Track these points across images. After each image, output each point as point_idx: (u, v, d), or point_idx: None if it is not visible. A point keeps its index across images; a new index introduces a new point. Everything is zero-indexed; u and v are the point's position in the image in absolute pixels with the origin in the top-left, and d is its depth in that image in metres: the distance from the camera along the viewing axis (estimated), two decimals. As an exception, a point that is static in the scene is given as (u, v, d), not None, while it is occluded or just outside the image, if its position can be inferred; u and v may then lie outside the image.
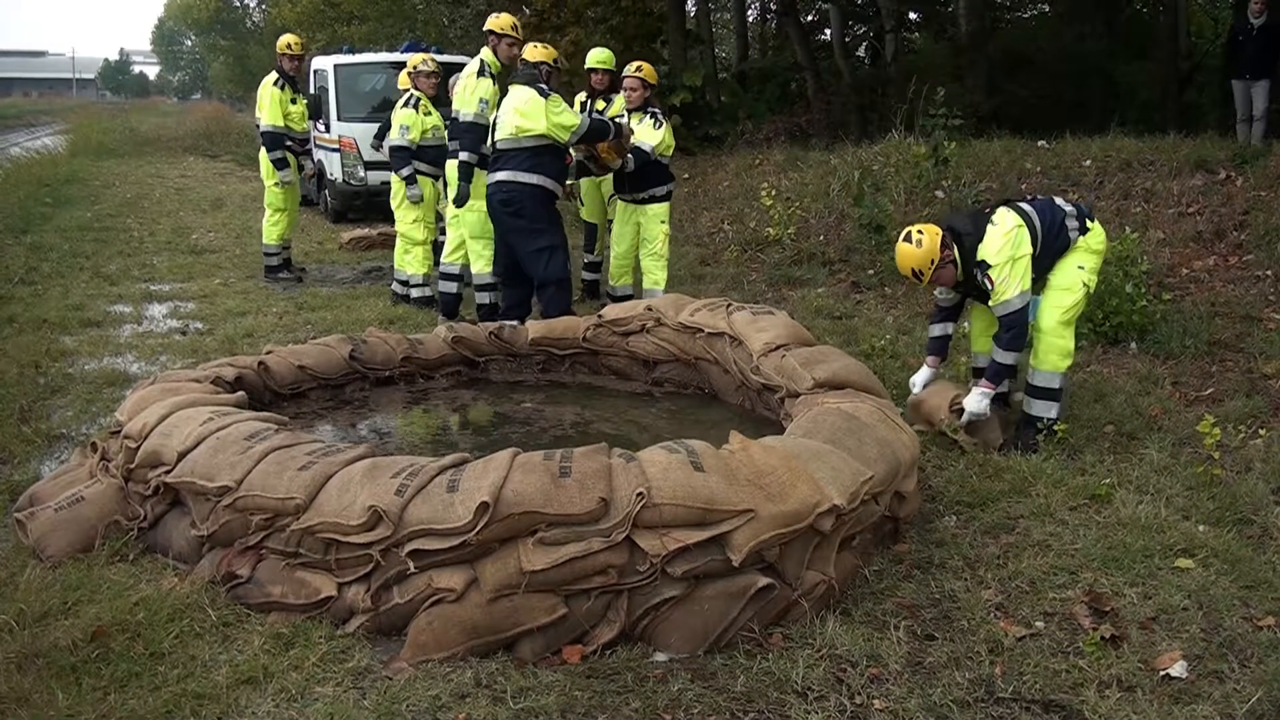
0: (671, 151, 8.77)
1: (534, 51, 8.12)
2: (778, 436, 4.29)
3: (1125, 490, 4.91)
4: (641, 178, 8.51)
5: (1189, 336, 7.26)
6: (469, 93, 8.32)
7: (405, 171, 9.55)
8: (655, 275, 8.77)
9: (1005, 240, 5.46)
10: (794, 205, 12.14)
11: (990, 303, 5.55)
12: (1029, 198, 5.94)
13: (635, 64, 8.91)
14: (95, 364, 7.43)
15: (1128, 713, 3.24)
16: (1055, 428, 5.55)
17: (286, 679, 3.41)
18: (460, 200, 8.42)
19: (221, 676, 3.41)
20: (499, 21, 8.50)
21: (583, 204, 10.07)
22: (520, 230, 7.61)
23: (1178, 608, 3.87)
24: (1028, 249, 5.48)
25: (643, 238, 8.73)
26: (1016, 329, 5.53)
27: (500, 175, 7.58)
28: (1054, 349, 5.60)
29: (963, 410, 5.59)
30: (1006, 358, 5.60)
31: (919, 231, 5.51)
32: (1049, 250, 5.62)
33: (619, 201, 8.90)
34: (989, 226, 5.53)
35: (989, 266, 5.44)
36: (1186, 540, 4.38)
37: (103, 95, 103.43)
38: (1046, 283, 5.70)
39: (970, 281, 5.63)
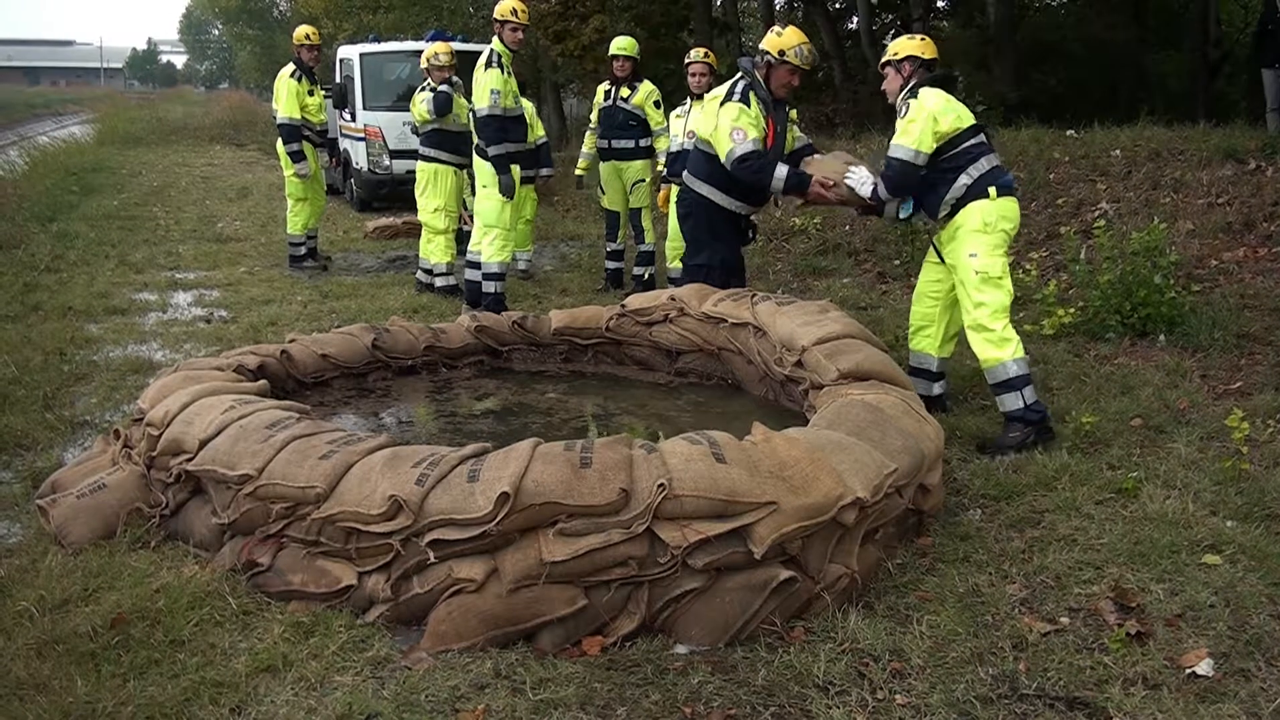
0: None
1: (775, 41, 6.45)
2: (801, 428, 4.26)
3: (1152, 484, 4.85)
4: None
5: (1218, 329, 7.17)
6: (480, 86, 8.31)
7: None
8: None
9: (941, 101, 5.51)
10: (820, 195, 12.07)
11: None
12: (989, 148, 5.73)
13: (701, 50, 8.87)
14: (120, 351, 7.48)
15: (1153, 711, 3.20)
16: (1044, 420, 5.45)
17: (306, 668, 3.41)
18: (508, 192, 8.39)
19: (241, 664, 3.41)
20: (500, 8, 8.48)
21: (604, 192, 10.06)
22: (686, 239, 7.02)
23: (1204, 604, 3.82)
24: (945, 128, 5.49)
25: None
26: (899, 179, 5.62)
27: (685, 174, 6.81)
28: (983, 345, 5.51)
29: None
30: (883, 194, 5.75)
31: (913, 37, 5.84)
32: (939, 164, 5.56)
33: (670, 185, 8.85)
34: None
35: (908, 106, 5.54)
36: (1214, 536, 4.33)
37: (130, 84, 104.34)
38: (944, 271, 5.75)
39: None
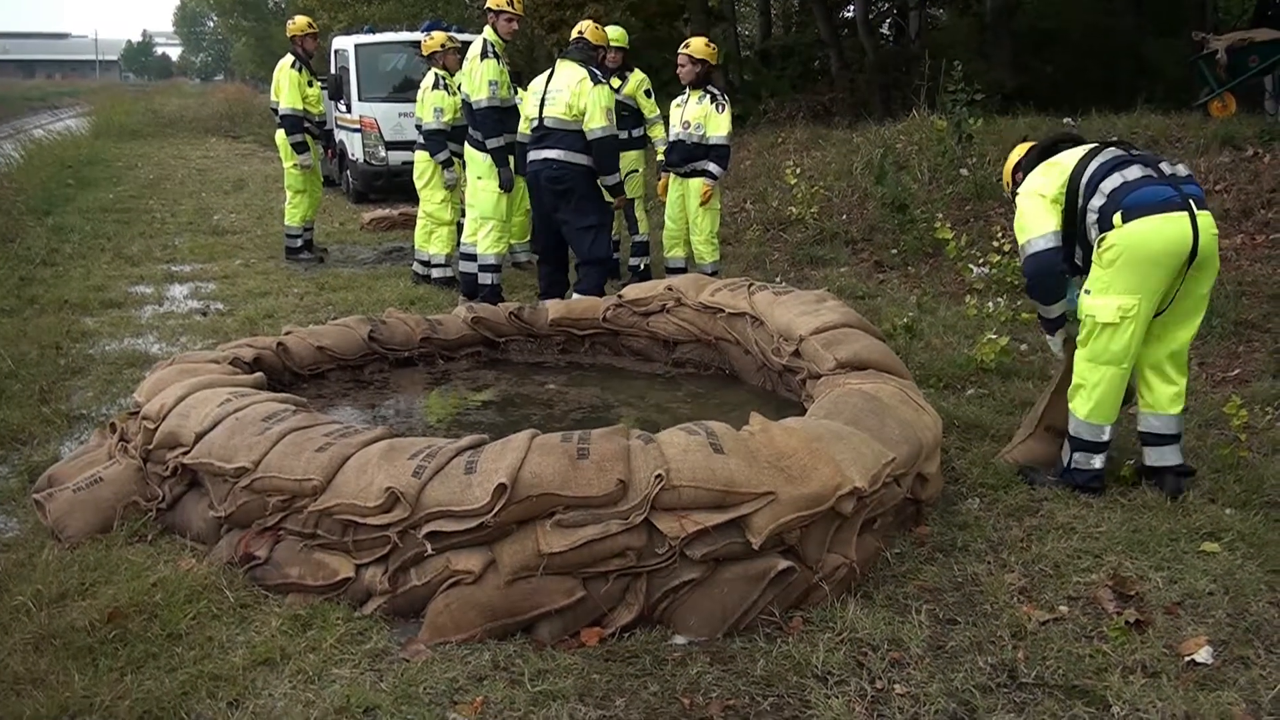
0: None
1: (597, 34, 8.24)
2: (799, 418, 4.25)
3: (1151, 472, 4.85)
4: (690, 154, 8.49)
5: (1216, 316, 7.15)
6: (478, 78, 8.26)
7: (442, 156, 9.48)
8: (705, 257, 8.72)
9: (1037, 174, 4.80)
10: (817, 184, 12.07)
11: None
12: (1134, 151, 4.74)
13: (686, 41, 8.85)
14: (116, 345, 7.46)
15: (1152, 699, 3.20)
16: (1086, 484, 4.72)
17: (304, 660, 3.40)
18: (507, 185, 8.37)
19: (238, 658, 3.41)
20: None
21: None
22: (569, 208, 7.59)
23: (1203, 592, 3.82)
24: (1052, 191, 4.66)
25: (691, 221, 8.67)
26: (1034, 279, 4.84)
27: (550, 153, 7.51)
28: (1073, 387, 4.74)
29: None
30: (1039, 309, 4.98)
31: (1010, 154, 5.31)
32: (1082, 219, 4.62)
33: (669, 174, 8.86)
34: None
35: (1018, 205, 4.84)
36: (1212, 523, 4.33)
37: (125, 77, 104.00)
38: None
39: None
